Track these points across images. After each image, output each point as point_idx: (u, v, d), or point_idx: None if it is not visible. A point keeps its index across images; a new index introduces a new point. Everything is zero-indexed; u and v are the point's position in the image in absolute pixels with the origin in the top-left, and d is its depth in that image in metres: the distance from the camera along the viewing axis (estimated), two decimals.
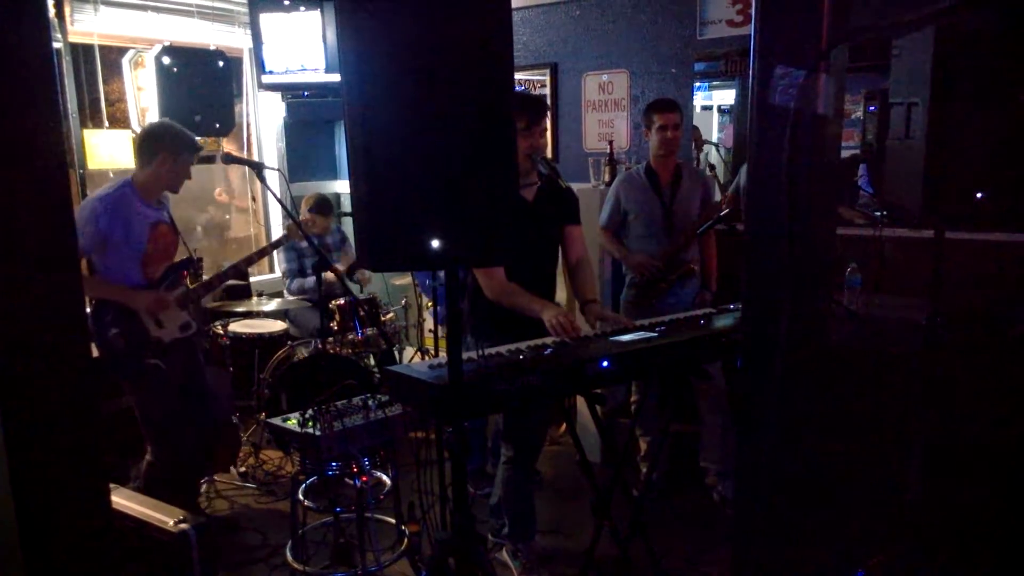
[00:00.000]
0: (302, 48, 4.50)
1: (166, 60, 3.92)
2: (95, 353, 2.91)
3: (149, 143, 2.93)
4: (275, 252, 4.49)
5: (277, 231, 5.04)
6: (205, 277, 3.28)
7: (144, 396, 2.95)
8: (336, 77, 4.55)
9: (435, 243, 1.62)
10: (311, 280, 4.11)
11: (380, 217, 1.64)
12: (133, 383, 2.95)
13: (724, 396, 3.47)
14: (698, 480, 3.59)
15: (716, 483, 3.52)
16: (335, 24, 1.64)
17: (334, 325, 3.93)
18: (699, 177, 3.58)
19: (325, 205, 4.34)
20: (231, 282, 4.05)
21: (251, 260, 3.40)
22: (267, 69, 4.47)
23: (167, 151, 2.91)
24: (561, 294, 3.91)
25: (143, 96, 4.09)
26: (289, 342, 4.07)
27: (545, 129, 2.90)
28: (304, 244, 3.64)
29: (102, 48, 4.04)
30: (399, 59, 1.57)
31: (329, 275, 3.97)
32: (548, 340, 2.39)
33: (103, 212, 2.80)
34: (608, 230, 3.56)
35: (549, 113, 4.77)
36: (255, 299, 4.04)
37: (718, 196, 3.77)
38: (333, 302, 3.98)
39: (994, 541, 2.34)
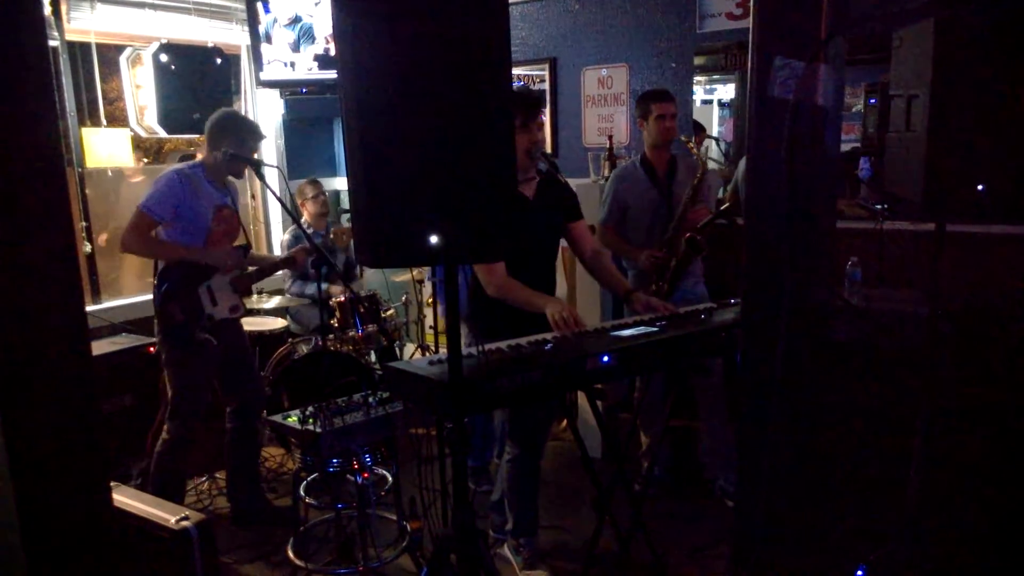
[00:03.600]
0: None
1: (164, 58, 3.90)
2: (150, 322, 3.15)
3: (218, 130, 3.10)
4: (278, 247, 4.53)
5: (276, 228, 5.03)
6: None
7: (183, 366, 3.10)
8: (334, 74, 4.53)
9: (433, 239, 1.62)
10: (313, 287, 4.15)
11: (378, 213, 1.63)
12: (181, 353, 3.08)
13: (721, 390, 3.46)
14: (700, 475, 3.59)
15: (716, 477, 3.52)
16: (332, 20, 1.63)
17: (335, 322, 3.92)
18: (694, 165, 3.55)
19: (315, 183, 4.40)
20: None
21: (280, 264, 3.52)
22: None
23: (233, 138, 3.08)
24: (560, 288, 3.90)
25: (141, 94, 4.07)
26: (290, 339, 4.07)
27: (542, 124, 2.88)
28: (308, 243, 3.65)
29: (99, 46, 4.02)
30: (395, 55, 1.56)
31: (335, 289, 4.01)
32: (548, 335, 2.38)
33: (178, 183, 3.01)
34: (609, 225, 3.51)
35: (548, 108, 4.76)
36: (256, 296, 4.03)
37: (718, 182, 3.75)
38: (334, 299, 3.98)
39: (995, 537, 2.34)
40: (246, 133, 3.11)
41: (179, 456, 3.13)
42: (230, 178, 3.22)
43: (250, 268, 3.38)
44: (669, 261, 3.33)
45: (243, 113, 4.61)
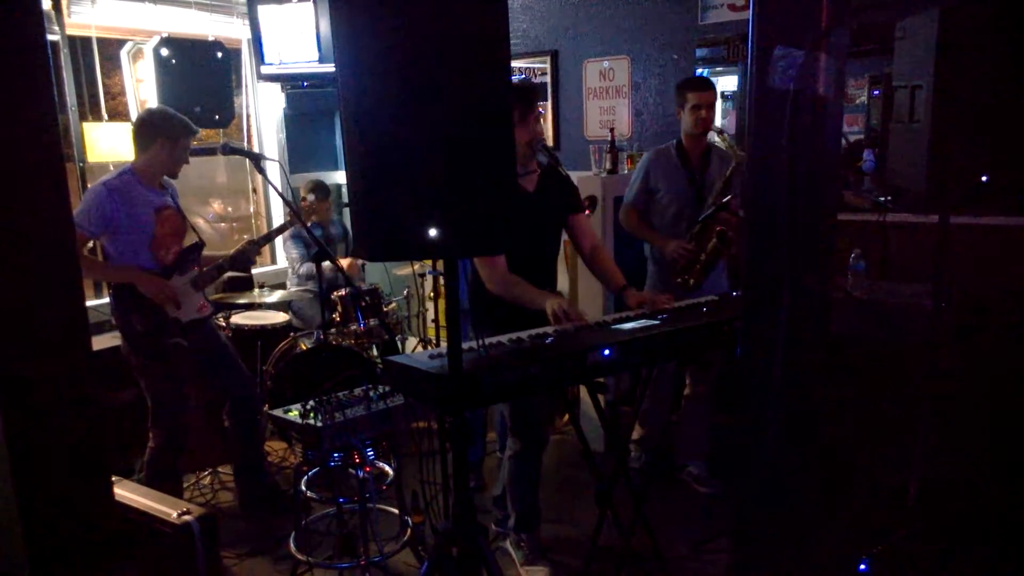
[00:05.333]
0: (300, 39, 4.47)
1: (164, 52, 3.89)
2: (117, 338, 3.10)
3: (147, 129, 3.00)
4: (281, 243, 4.51)
5: (278, 223, 5.02)
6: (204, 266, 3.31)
7: (158, 375, 3.05)
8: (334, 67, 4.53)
9: (432, 232, 1.61)
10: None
11: (376, 207, 1.63)
12: (150, 362, 3.03)
13: (713, 382, 3.46)
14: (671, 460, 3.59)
15: (687, 463, 3.54)
16: (329, 14, 1.62)
17: (336, 316, 3.92)
18: (728, 161, 3.50)
19: (322, 189, 4.34)
20: (232, 274, 4.06)
21: (258, 244, 3.42)
22: (266, 60, 4.44)
23: (165, 136, 2.98)
24: (562, 283, 3.88)
25: (142, 88, 4.07)
26: (292, 333, 4.07)
27: (542, 116, 2.87)
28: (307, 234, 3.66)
29: (100, 41, 4.01)
30: (393, 48, 1.55)
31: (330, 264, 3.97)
32: (549, 329, 2.38)
33: (107, 196, 2.90)
34: (635, 209, 3.44)
35: (550, 101, 4.74)
36: (257, 291, 4.03)
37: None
38: (335, 293, 3.97)
39: (997, 529, 2.34)
40: (178, 130, 3.00)
41: (169, 460, 3.11)
42: (166, 178, 3.11)
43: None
44: (698, 255, 3.25)
45: (243, 106, 4.61)
